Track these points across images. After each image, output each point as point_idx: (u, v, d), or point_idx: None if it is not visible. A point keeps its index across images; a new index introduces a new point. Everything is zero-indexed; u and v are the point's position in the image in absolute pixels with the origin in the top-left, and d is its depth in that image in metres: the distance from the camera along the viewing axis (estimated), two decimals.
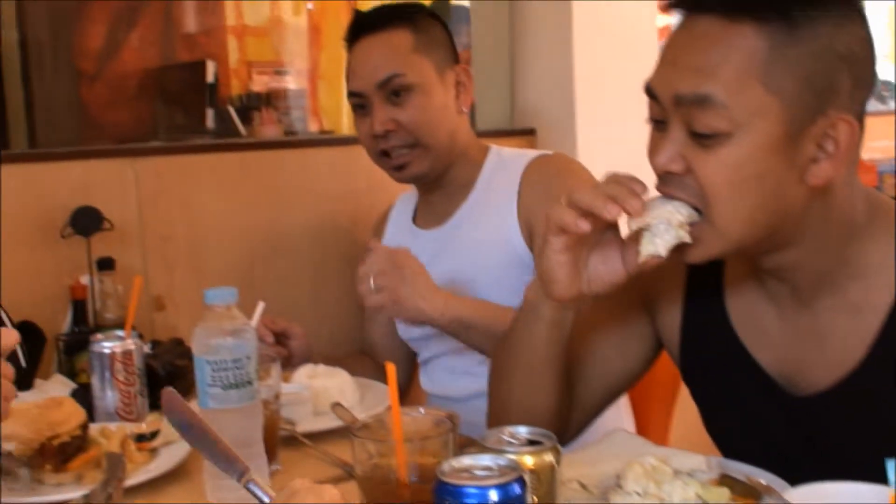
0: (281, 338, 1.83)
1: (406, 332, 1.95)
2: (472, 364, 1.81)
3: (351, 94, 1.85)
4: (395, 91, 1.79)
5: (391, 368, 1.02)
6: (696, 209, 1.06)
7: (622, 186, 1.06)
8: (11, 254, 1.97)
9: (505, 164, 1.86)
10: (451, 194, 1.88)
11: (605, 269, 1.13)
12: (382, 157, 1.84)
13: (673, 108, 1.06)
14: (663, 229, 1.05)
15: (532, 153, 1.85)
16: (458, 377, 1.87)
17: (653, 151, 1.09)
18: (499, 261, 1.79)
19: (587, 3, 2.62)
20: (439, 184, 1.88)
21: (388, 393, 1.58)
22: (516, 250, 1.77)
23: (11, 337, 1.07)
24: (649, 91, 1.10)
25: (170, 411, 1.09)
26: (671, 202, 1.06)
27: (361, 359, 2.01)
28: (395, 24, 1.82)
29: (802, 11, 1.02)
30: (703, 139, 1.04)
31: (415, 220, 2.00)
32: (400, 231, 2.01)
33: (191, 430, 1.06)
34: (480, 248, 1.81)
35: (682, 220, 1.05)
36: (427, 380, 1.96)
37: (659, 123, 1.10)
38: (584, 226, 1.07)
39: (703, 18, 1.05)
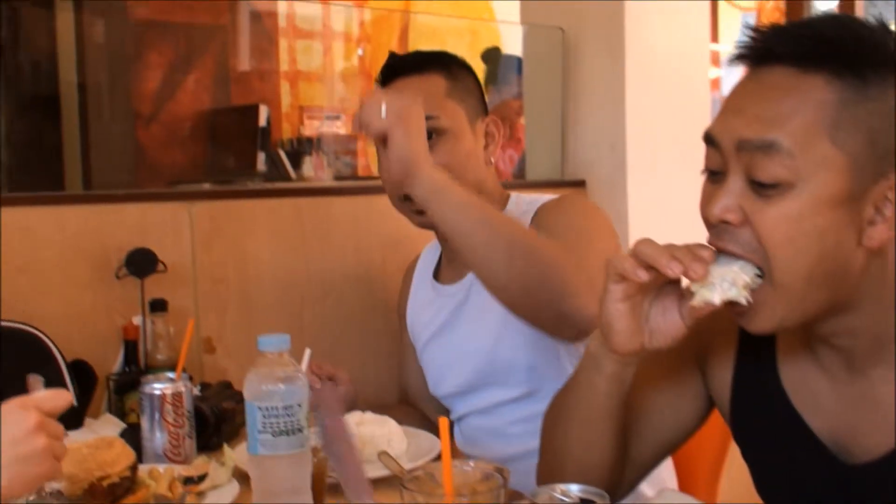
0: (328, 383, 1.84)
1: (437, 387, 1.92)
2: (505, 424, 1.80)
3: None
4: (426, 133, 1.73)
5: (444, 423, 1.02)
6: (758, 273, 1.05)
7: (688, 250, 1.06)
8: (67, 293, 2.00)
9: (521, 211, 1.81)
10: None
11: (665, 323, 1.12)
12: (405, 201, 1.77)
13: (734, 155, 1.05)
14: (726, 286, 1.04)
15: (545, 197, 1.80)
16: (492, 439, 1.83)
17: (708, 201, 1.08)
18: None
19: (640, 55, 2.64)
20: None
21: (434, 443, 1.60)
22: None
23: (64, 398, 1.09)
24: (709, 139, 1.09)
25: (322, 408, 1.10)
26: (736, 262, 1.05)
27: (405, 408, 2.00)
28: (431, 68, 1.81)
29: (875, 70, 1.01)
30: (763, 189, 1.03)
31: (436, 274, 1.97)
32: (423, 286, 1.98)
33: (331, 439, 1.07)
34: (497, 306, 1.68)
35: (746, 281, 1.04)
36: (462, 439, 1.92)
37: (715, 174, 1.09)
38: (644, 275, 1.07)
39: (774, 70, 1.05)
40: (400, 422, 1.69)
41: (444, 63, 1.83)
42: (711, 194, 1.08)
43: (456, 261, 1.87)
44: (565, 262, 1.47)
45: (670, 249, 1.06)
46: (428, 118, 1.68)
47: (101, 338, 2.00)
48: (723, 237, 1.07)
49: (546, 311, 1.48)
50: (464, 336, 1.77)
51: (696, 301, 1.06)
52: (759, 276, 1.04)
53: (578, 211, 1.74)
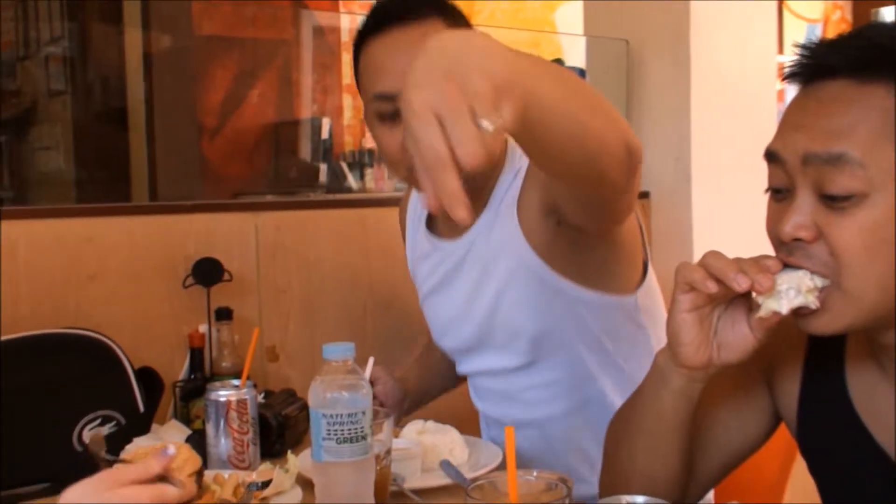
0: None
1: (440, 341, 1.85)
2: (516, 390, 1.73)
3: (379, 98, 1.56)
4: None
5: (510, 432, 1.01)
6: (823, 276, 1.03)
7: (754, 262, 1.05)
8: (135, 302, 2.04)
9: (515, 170, 1.65)
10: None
11: (734, 336, 1.11)
12: (413, 171, 1.59)
13: (801, 171, 1.04)
14: (793, 295, 1.03)
15: None
16: (504, 402, 1.77)
17: (777, 220, 1.07)
18: (516, 276, 1.62)
19: (706, 67, 2.62)
20: None
21: (495, 452, 1.60)
22: (527, 263, 1.60)
23: (162, 461, 1.07)
24: (772, 156, 1.08)
25: None
26: (801, 269, 1.04)
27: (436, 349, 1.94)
28: (429, 13, 1.56)
29: None
30: (836, 202, 1.01)
31: (430, 224, 1.81)
32: (418, 236, 1.84)
33: None
34: (498, 264, 1.63)
35: (811, 285, 1.02)
36: (475, 395, 1.86)
37: (780, 192, 1.08)
38: (713, 286, 1.06)
39: (830, 84, 1.04)
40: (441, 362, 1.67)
41: (441, 6, 1.59)
42: (780, 212, 1.07)
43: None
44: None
45: (737, 263, 1.05)
46: None
47: (167, 345, 2.03)
48: (795, 254, 1.06)
49: (617, 157, 1.20)
50: (463, 296, 1.67)
51: (763, 312, 1.05)
52: (823, 277, 1.03)
53: None
